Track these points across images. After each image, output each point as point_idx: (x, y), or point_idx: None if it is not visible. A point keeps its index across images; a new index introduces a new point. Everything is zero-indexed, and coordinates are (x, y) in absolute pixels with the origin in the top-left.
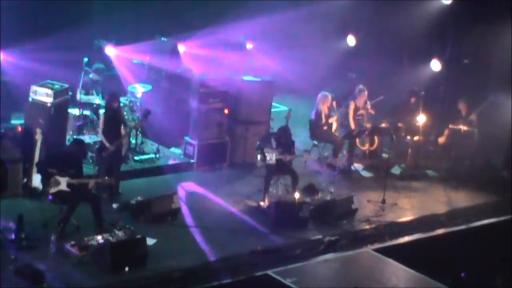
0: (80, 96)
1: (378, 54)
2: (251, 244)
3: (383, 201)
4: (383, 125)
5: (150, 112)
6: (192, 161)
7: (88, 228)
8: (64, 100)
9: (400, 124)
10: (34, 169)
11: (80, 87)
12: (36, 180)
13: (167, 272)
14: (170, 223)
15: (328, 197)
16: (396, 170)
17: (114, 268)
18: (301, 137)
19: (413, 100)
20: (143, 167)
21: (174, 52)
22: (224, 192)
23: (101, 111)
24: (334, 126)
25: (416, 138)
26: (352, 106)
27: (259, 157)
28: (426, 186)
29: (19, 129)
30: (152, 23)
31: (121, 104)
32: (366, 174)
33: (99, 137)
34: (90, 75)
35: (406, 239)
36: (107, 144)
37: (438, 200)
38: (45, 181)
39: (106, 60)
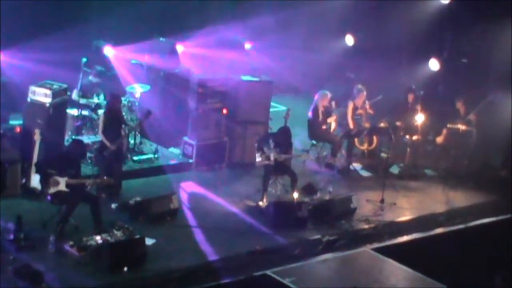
0: (77, 97)
1: (377, 53)
2: (250, 244)
3: (382, 201)
4: (382, 124)
5: (151, 113)
6: (190, 161)
7: (87, 228)
8: (62, 100)
9: (398, 123)
10: (33, 169)
11: (78, 87)
12: (35, 180)
13: (166, 272)
14: (169, 223)
15: (327, 197)
16: (395, 170)
17: (113, 268)
18: (300, 137)
19: (410, 97)
20: (142, 167)
21: (173, 52)
22: (223, 192)
23: (100, 111)
24: (333, 126)
25: (415, 137)
26: (350, 105)
27: (259, 156)
28: (425, 185)
29: (18, 129)
30: (151, 23)
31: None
32: (364, 173)
33: (99, 137)
34: (90, 77)
35: (405, 238)
36: (107, 144)
37: (436, 199)
38: (44, 181)
39: (105, 61)
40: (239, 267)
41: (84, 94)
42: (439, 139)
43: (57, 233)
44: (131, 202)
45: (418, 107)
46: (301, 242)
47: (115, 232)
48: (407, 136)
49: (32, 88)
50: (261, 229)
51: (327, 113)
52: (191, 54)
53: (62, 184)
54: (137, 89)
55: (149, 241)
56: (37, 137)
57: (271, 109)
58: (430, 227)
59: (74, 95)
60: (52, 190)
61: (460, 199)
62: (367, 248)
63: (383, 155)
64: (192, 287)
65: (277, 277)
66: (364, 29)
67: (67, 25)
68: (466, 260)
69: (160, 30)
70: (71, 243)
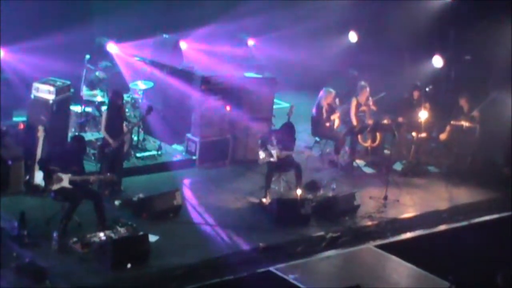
0: (84, 93)
1: (380, 50)
2: (253, 240)
3: (385, 198)
4: (385, 121)
5: (152, 109)
6: (194, 158)
7: (90, 225)
8: (66, 97)
9: (400, 119)
10: (36, 166)
11: (82, 83)
12: (38, 177)
13: (169, 269)
14: (172, 220)
15: (330, 194)
16: (398, 167)
17: (116, 265)
18: (303, 134)
19: (416, 94)
20: (145, 164)
21: (176, 49)
22: (226, 189)
23: (103, 108)
24: (336, 123)
25: (419, 134)
26: (354, 102)
27: (262, 153)
28: (428, 182)
29: (21, 126)
30: (154, 19)
31: (124, 101)
32: (368, 170)
33: (102, 134)
34: (97, 73)
35: (408, 235)
36: (110, 140)
37: (439, 196)
38: (47, 178)
39: (108, 57)
40: (242, 263)
41: (90, 89)
42: (443, 136)
43: (61, 230)
44: (134, 199)
45: (427, 105)
46: (304, 239)
47: (119, 228)
48: (414, 133)
49: (36, 84)
50: (264, 226)
51: (331, 110)
52: (194, 51)
53: (65, 180)
54: (141, 86)
55: (152, 238)
56: (40, 133)
57: (274, 106)
58: (433, 224)
59: (83, 92)
60: (55, 187)
61: (463, 196)
62: (370, 245)
63: (386, 152)
64: (195, 284)
65: (280, 274)
66: (368, 26)
67: (70, 22)
68: (469, 257)
69: (163, 26)
70: (74, 239)
